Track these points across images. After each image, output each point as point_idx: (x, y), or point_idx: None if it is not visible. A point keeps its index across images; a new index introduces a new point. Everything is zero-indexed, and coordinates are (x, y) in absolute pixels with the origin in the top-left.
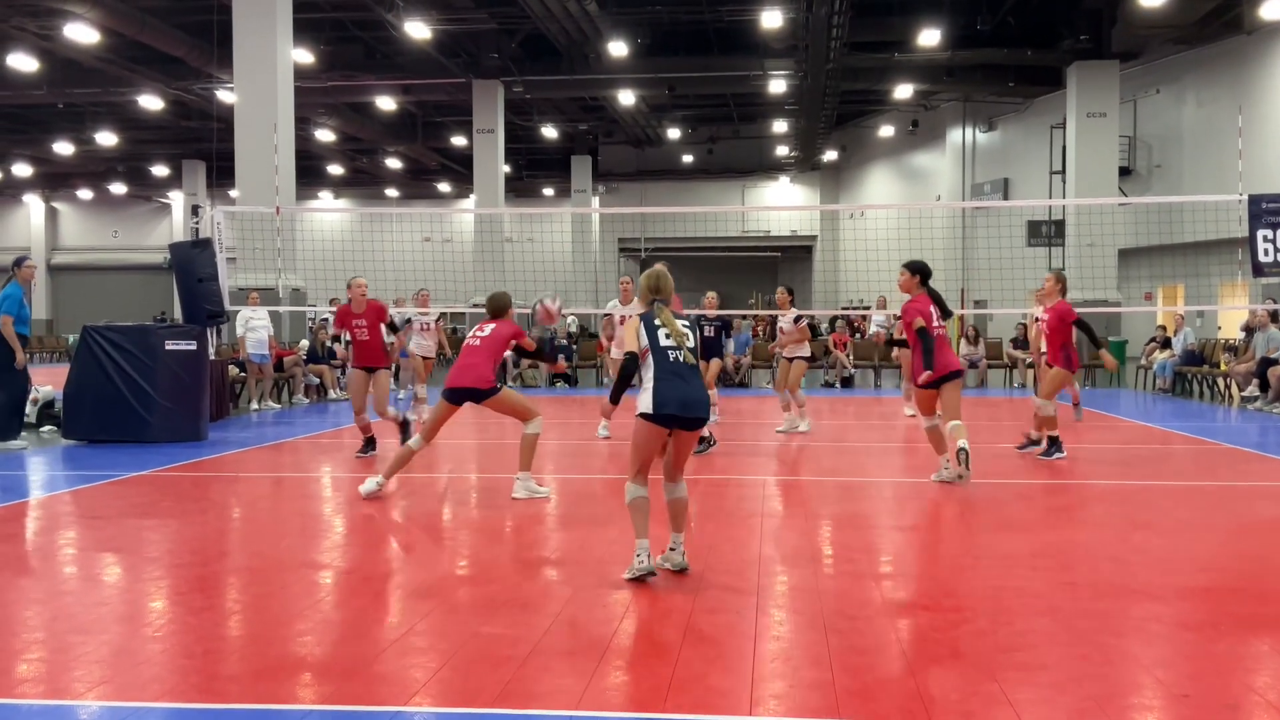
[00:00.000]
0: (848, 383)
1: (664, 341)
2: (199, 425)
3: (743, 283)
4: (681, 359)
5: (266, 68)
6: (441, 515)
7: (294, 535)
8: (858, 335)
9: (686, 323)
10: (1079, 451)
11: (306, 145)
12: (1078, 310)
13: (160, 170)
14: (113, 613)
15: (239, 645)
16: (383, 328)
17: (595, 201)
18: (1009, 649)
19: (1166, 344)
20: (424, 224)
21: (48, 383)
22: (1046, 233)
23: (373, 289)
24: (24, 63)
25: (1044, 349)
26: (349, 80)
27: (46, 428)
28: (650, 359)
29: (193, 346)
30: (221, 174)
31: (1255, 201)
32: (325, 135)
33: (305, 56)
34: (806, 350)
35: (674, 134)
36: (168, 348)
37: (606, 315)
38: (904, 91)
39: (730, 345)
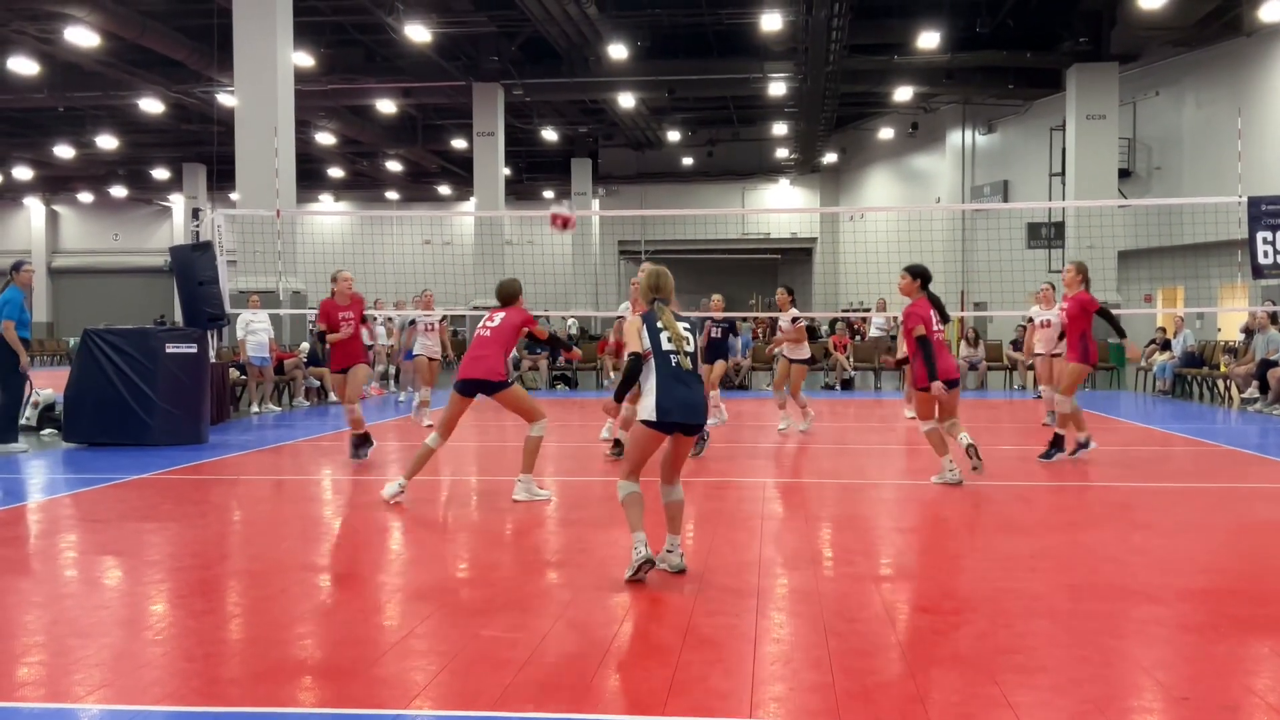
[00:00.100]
0: (848, 385)
1: (665, 345)
2: (199, 428)
3: (742, 285)
4: (680, 363)
5: (267, 71)
6: (441, 518)
7: (294, 538)
8: (858, 338)
9: (687, 325)
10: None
11: (307, 148)
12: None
13: (161, 173)
14: (113, 616)
15: (239, 648)
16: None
17: (595, 204)
18: (1009, 651)
19: (1166, 346)
20: (424, 227)
21: (48, 386)
22: (1046, 235)
23: (373, 292)
24: (25, 66)
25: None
26: (349, 83)
27: (47, 431)
28: (651, 362)
29: (193, 349)
30: (222, 177)
31: (1255, 203)
32: (325, 138)
33: (305, 59)
34: (807, 353)
35: (674, 136)
36: (168, 351)
37: (620, 319)
38: (904, 94)
39: (737, 344)
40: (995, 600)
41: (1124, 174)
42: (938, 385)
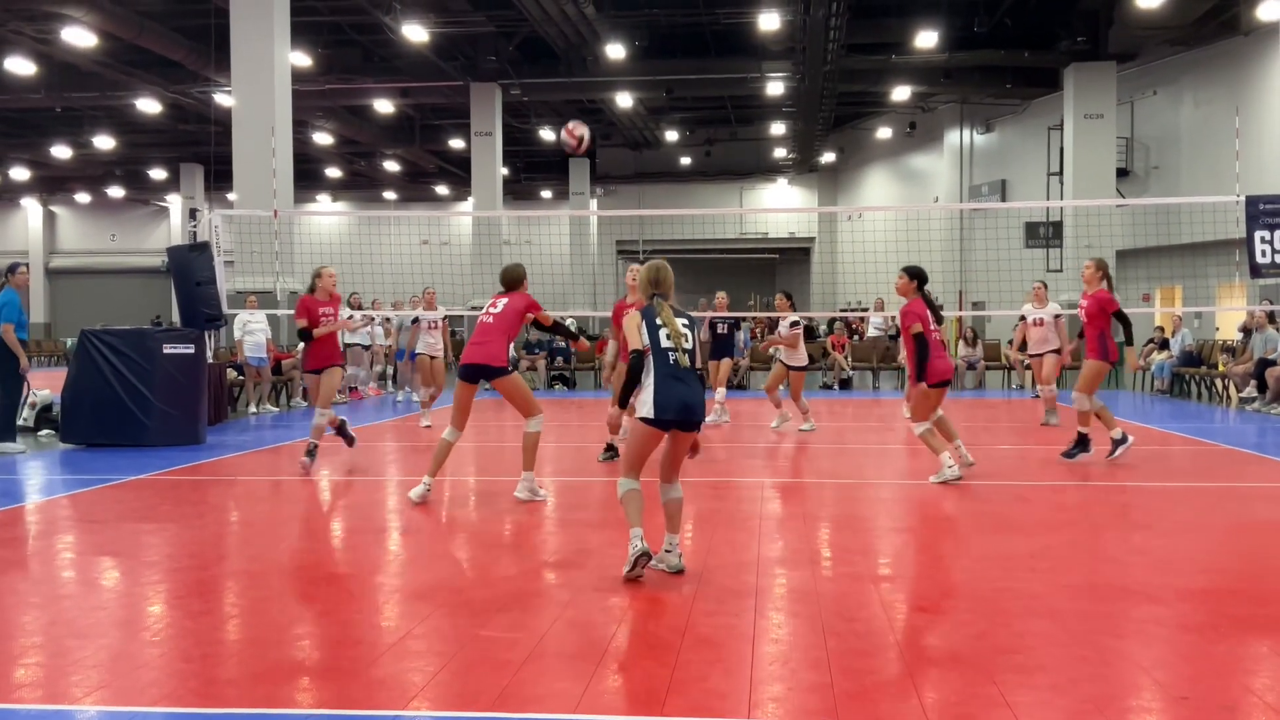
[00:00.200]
0: (846, 384)
1: (664, 343)
2: (197, 429)
3: (741, 285)
4: (679, 361)
5: (264, 71)
6: (439, 518)
7: (292, 539)
8: (856, 337)
9: (686, 321)
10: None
11: (304, 148)
12: (1076, 310)
13: (158, 174)
14: (111, 617)
15: (237, 649)
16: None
17: (593, 204)
18: (1007, 651)
19: (1164, 345)
20: (422, 227)
21: (45, 386)
22: (1044, 234)
23: (371, 292)
24: (22, 66)
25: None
26: (347, 83)
27: (44, 431)
28: (650, 359)
29: (190, 350)
30: (219, 177)
31: (1253, 202)
32: (323, 138)
33: (303, 60)
34: (804, 359)
35: (672, 136)
36: (165, 351)
37: (618, 305)
38: (901, 93)
39: (742, 339)
40: (994, 600)
41: (1122, 173)
42: (922, 386)
